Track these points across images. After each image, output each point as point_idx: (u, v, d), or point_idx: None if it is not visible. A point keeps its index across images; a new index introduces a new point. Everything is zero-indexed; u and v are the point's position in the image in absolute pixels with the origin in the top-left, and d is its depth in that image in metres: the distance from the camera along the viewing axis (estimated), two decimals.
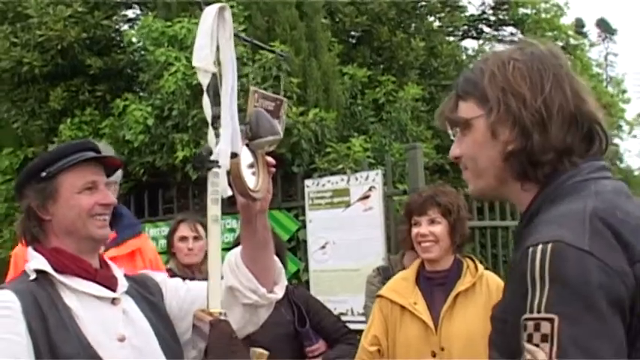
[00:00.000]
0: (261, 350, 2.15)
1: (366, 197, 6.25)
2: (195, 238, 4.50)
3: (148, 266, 3.56)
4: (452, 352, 3.27)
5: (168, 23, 7.78)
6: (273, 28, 7.85)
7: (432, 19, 10.83)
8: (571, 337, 1.37)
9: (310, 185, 6.66)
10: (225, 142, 1.99)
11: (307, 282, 6.58)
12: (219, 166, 2.01)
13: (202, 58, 1.99)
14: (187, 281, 2.44)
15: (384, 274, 4.33)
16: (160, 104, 7.49)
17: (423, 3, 10.42)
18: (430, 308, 3.36)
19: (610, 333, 1.38)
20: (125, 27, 9.70)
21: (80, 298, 2.13)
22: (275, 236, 3.99)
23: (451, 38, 11.26)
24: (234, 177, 2.02)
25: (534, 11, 11.46)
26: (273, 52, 6.42)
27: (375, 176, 6.26)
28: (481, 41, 11.98)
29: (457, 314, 3.32)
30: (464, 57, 10.81)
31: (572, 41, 12.34)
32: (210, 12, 2.01)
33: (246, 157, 2.09)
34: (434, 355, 3.30)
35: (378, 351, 3.45)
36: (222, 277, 2.15)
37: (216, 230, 2.08)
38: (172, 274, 3.96)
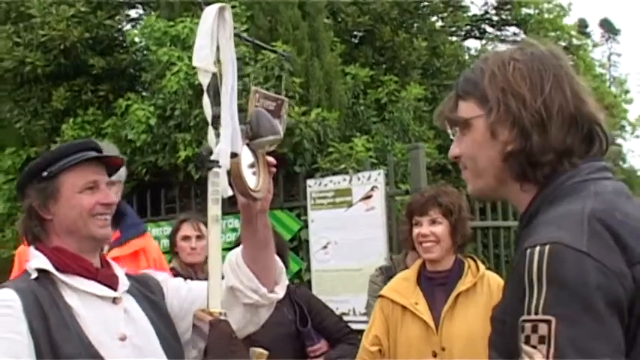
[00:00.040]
0: (260, 350, 2.15)
1: (368, 197, 6.25)
2: (198, 238, 4.51)
3: (152, 266, 3.55)
4: (453, 352, 3.27)
5: (171, 23, 7.78)
6: (276, 28, 7.85)
7: (434, 19, 10.82)
8: (568, 339, 1.37)
9: (312, 185, 6.66)
10: (225, 141, 1.99)
11: (309, 282, 6.58)
12: (219, 166, 2.02)
13: (202, 58, 2.00)
14: (189, 281, 2.44)
15: (387, 273, 4.34)
16: (162, 104, 7.50)
17: (426, 3, 10.42)
18: (431, 308, 3.37)
19: (608, 334, 1.38)
20: (128, 27, 9.73)
21: (81, 297, 2.13)
22: (277, 236, 4.01)
23: (454, 38, 11.25)
24: (235, 177, 2.03)
25: (537, 11, 11.44)
26: (274, 52, 6.42)
27: (378, 176, 6.25)
28: (484, 41, 11.97)
29: (458, 314, 3.32)
30: (466, 57, 10.79)
31: (575, 41, 12.32)
32: (210, 12, 2.01)
33: (246, 156, 2.09)
34: (435, 355, 3.30)
35: (379, 351, 3.45)
36: (222, 277, 2.16)
37: (216, 230, 2.09)
38: (175, 273, 3.97)
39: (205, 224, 4.25)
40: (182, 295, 2.32)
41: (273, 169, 2.17)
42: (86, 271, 2.17)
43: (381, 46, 9.59)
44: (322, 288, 6.31)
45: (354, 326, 4.64)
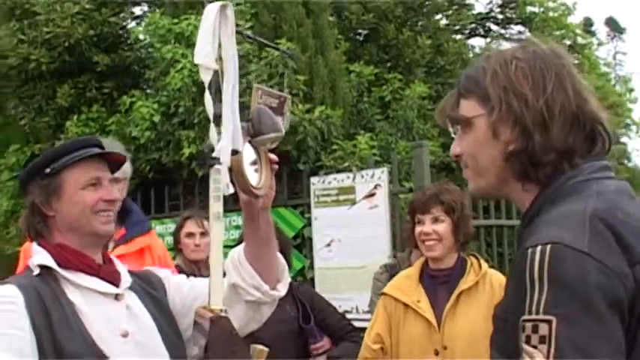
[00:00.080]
0: (261, 347, 2.16)
1: (371, 195, 6.25)
2: (202, 234, 4.52)
3: (157, 263, 3.56)
4: (454, 350, 3.27)
5: (175, 20, 7.80)
6: (280, 26, 7.86)
7: (438, 17, 10.82)
8: (569, 339, 1.37)
9: (316, 183, 6.66)
10: (226, 139, 1.99)
11: (312, 279, 6.59)
12: (220, 163, 2.02)
13: (204, 55, 2.00)
14: (191, 278, 2.44)
15: (391, 271, 4.34)
16: (166, 101, 7.51)
17: (430, 1, 10.41)
18: (433, 306, 3.36)
19: (608, 334, 1.38)
20: (132, 24, 9.74)
21: (84, 293, 2.13)
22: (280, 233, 4.02)
23: (458, 36, 11.25)
24: (236, 174, 2.03)
25: (542, 10, 11.43)
26: (277, 49, 6.42)
27: (381, 174, 6.25)
28: (488, 39, 11.96)
29: (460, 312, 3.32)
30: (471, 55, 10.79)
31: (580, 40, 12.30)
32: (212, 9, 2.01)
33: (248, 154, 2.09)
34: (437, 353, 3.29)
35: (382, 349, 3.45)
36: (224, 274, 2.16)
37: (218, 227, 2.09)
38: (180, 270, 3.97)
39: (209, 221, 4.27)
40: (184, 292, 2.32)
41: (276, 167, 2.17)
42: (88, 268, 2.18)
43: (385, 44, 9.59)
44: (325, 286, 6.32)
45: (357, 324, 4.64)
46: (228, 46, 2.06)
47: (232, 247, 2.35)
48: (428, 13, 10.34)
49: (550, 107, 1.55)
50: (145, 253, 3.64)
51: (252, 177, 2.08)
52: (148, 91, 8.36)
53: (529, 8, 11.42)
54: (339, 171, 6.62)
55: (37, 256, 2.16)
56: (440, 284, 3.42)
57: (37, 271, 2.12)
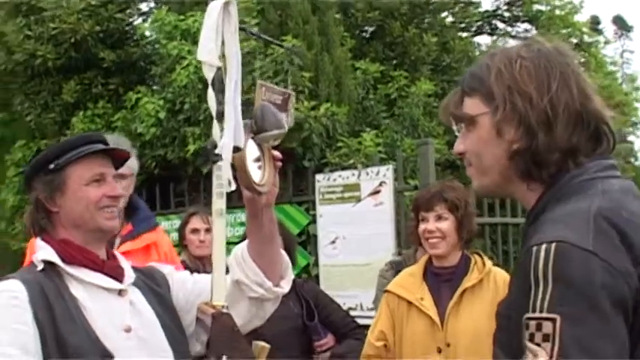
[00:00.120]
0: (263, 344, 2.16)
1: (376, 192, 6.25)
2: (207, 231, 4.52)
3: (163, 260, 3.57)
4: (457, 348, 3.26)
5: (181, 17, 7.81)
6: (286, 22, 7.85)
7: (445, 14, 10.80)
8: (573, 337, 1.37)
9: (321, 180, 6.66)
10: (228, 135, 2.00)
11: (317, 276, 6.59)
12: (222, 160, 2.02)
13: (207, 52, 2.00)
14: (195, 274, 2.45)
15: (397, 268, 4.34)
16: (171, 97, 7.53)
17: None
18: (437, 304, 3.36)
19: (613, 333, 1.38)
20: (138, 20, 9.76)
21: (87, 288, 2.14)
22: (285, 231, 4.02)
23: (464, 34, 11.23)
24: (240, 170, 2.03)
25: (549, 8, 11.40)
26: (281, 46, 6.42)
27: (386, 171, 6.25)
28: (494, 37, 11.94)
29: (464, 310, 3.32)
30: (477, 53, 10.76)
31: (586, 38, 12.26)
32: (215, 6, 2.02)
33: (252, 151, 2.09)
34: (439, 351, 3.29)
35: (385, 346, 3.45)
36: (227, 271, 2.16)
37: (220, 223, 2.09)
38: (185, 266, 3.98)
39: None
40: (188, 288, 2.33)
41: (279, 164, 2.17)
42: (92, 263, 2.18)
43: (391, 41, 9.58)
44: (330, 283, 6.32)
45: (361, 321, 4.64)
46: (231, 43, 2.06)
47: (237, 243, 2.35)
48: (434, 11, 10.32)
49: (554, 106, 1.55)
50: (151, 250, 3.65)
51: (256, 174, 2.09)
52: (154, 87, 8.37)
53: (536, 6, 11.38)
54: (344, 168, 6.62)
55: (41, 251, 2.17)
56: (443, 282, 3.42)
57: (40, 267, 2.13)
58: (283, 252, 2.33)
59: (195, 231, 4.59)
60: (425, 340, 3.32)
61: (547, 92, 1.55)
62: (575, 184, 1.55)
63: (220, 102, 2.03)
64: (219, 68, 2.03)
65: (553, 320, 1.39)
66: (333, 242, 6.51)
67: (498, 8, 11.62)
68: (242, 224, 6.76)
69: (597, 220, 1.45)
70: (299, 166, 7.06)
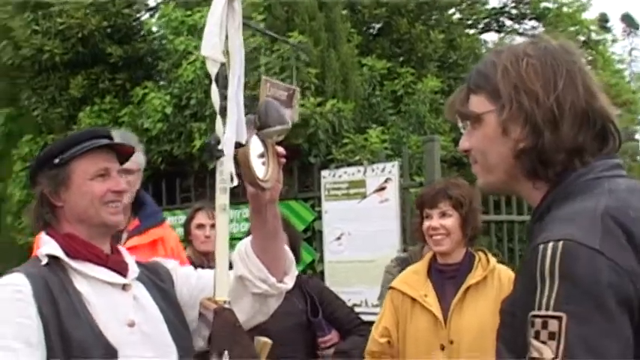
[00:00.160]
0: (265, 340, 2.16)
1: (382, 189, 6.25)
2: (213, 226, 4.52)
3: (170, 255, 3.57)
4: (461, 345, 3.26)
5: (188, 12, 7.81)
6: (293, 19, 7.84)
7: (452, 11, 10.77)
8: (579, 336, 1.37)
9: (327, 176, 6.66)
10: (231, 131, 2.00)
11: (322, 273, 6.59)
12: (225, 155, 2.02)
13: (211, 47, 2.00)
14: (199, 269, 2.45)
15: (403, 264, 4.33)
16: (178, 93, 7.53)
17: None
18: (440, 301, 3.36)
19: (618, 332, 1.38)
20: (146, 16, 9.74)
21: (91, 283, 2.15)
22: (290, 227, 4.02)
23: (471, 31, 11.20)
24: (243, 166, 2.03)
25: (556, 5, 11.36)
26: (288, 42, 6.41)
27: (392, 168, 6.24)
28: (502, 34, 11.90)
29: (467, 308, 3.32)
30: (483, 50, 10.73)
31: (594, 36, 12.21)
32: (219, 1, 2.02)
33: (256, 146, 2.09)
34: (443, 348, 3.29)
35: (388, 342, 3.45)
36: (230, 266, 2.16)
37: (223, 219, 2.09)
38: (191, 261, 3.99)
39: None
40: (192, 284, 2.33)
41: (283, 160, 2.17)
42: (96, 258, 2.19)
43: (397, 38, 9.55)
44: (335, 279, 6.32)
45: (366, 318, 4.63)
46: (235, 39, 2.06)
47: (242, 239, 2.35)
48: (441, 8, 10.28)
49: (560, 104, 1.54)
50: (158, 245, 3.66)
51: (259, 169, 2.08)
52: (161, 82, 8.38)
53: (543, 3, 11.33)
54: (349, 164, 6.61)
55: (46, 245, 2.18)
56: (448, 279, 3.42)
57: (45, 261, 2.14)
58: (287, 248, 2.33)
59: (200, 226, 4.60)
60: (428, 337, 3.32)
61: (553, 91, 1.55)
62: (581, 182, 1.55)
63: (224, 98, 2.03)
64: (223, 64, 2.03)
65: (559, 318, 1.38)
66: (339, 238, 6.50)
67: (505, 5, 11.57)
68: (247, 220, 6.76)
69: (604, 219, 1.45)
70: (305, 163, 7.05)
